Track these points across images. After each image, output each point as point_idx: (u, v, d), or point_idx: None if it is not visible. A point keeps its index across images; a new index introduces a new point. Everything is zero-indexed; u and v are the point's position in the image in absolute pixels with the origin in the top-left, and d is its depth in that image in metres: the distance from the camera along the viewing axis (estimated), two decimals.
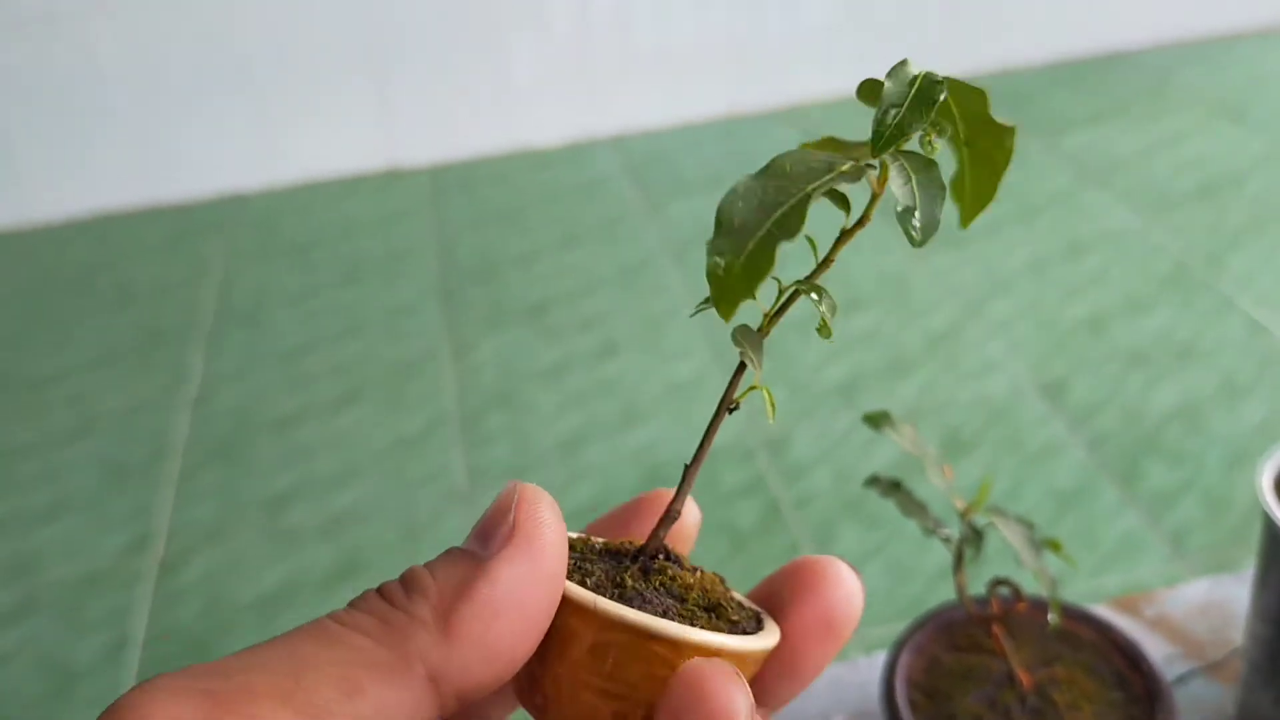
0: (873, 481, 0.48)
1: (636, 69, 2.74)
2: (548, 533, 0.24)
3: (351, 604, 0.23)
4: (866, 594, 1.22)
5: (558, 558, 0.24)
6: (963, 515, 0.47)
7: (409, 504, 1.67)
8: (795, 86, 2.83)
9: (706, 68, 2.78)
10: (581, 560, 0.27)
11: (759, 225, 0.26)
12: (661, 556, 0.28)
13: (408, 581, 0.23)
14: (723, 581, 0.29)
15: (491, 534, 0.24)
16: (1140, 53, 2.95)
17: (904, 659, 0.53)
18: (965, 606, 0.49)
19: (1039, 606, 0.53)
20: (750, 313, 0.28)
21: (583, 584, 0.26)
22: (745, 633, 0.26)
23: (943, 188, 0.28)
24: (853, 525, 1.56)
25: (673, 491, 0.29)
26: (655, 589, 0.26)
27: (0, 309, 2.25)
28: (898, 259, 2.15)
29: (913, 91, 0.28)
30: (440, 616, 0.23)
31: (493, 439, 1.78)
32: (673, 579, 0.27)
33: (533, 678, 0.25)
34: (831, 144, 0.29)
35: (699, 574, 0.28)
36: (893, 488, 0.47)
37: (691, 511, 0.30)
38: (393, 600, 0.23)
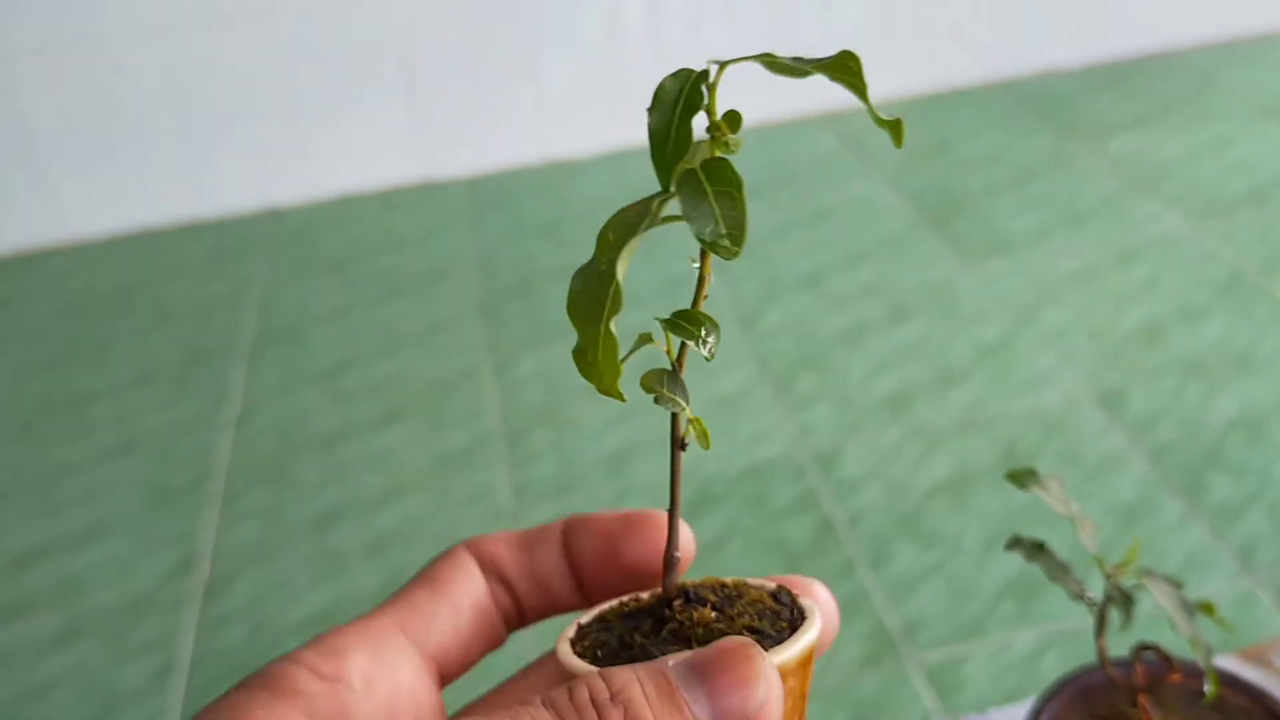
0: (1015, 544, 0.45)
1: None
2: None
3: (548, 701, 0.24)
4: (925, 615, 1.18)
5: None
6: (1108, 577, 0.43)
7: (454, 523, 1.65)
8: (832, 93, 2.79)
9: (741, 75, 2.74)
10: (603, 630, 0.28)
11: (596, 314, 0.27)
12: (680, 601, 0.28)
13: (618, 694, 0.24)
14: (745, 587, 0.29)
15: (724, 703, 0.25)
16: (1183, 53, 2.90)
17: None
18: (1107, 672, 0.46)
19: (1190, 672, 0.49)
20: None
21: (594, 655, 0.27)
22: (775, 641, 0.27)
23: (738, 184, 0.27)
24: (908, 543, 1.52)
25: (662, 512, 0.31)
26: (663, 640, 0.27)
27: (41, 329, 2.24)
28: (943, 268, 2.11)
29: (679, 105, 0.27)
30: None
31: (537, 456, 1.75)
32: (683, 624, 0.28)
33: None
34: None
35: (723, 597, 0.28)
36: (1036, 550, 0.44)
37: (686, 541, 0.31)
38: (601, 708, 0.24)
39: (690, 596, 0.29)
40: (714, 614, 0.28)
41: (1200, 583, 1.42)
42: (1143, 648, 0.47)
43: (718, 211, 0.25)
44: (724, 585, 0.29)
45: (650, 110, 0.26)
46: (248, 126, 2.56)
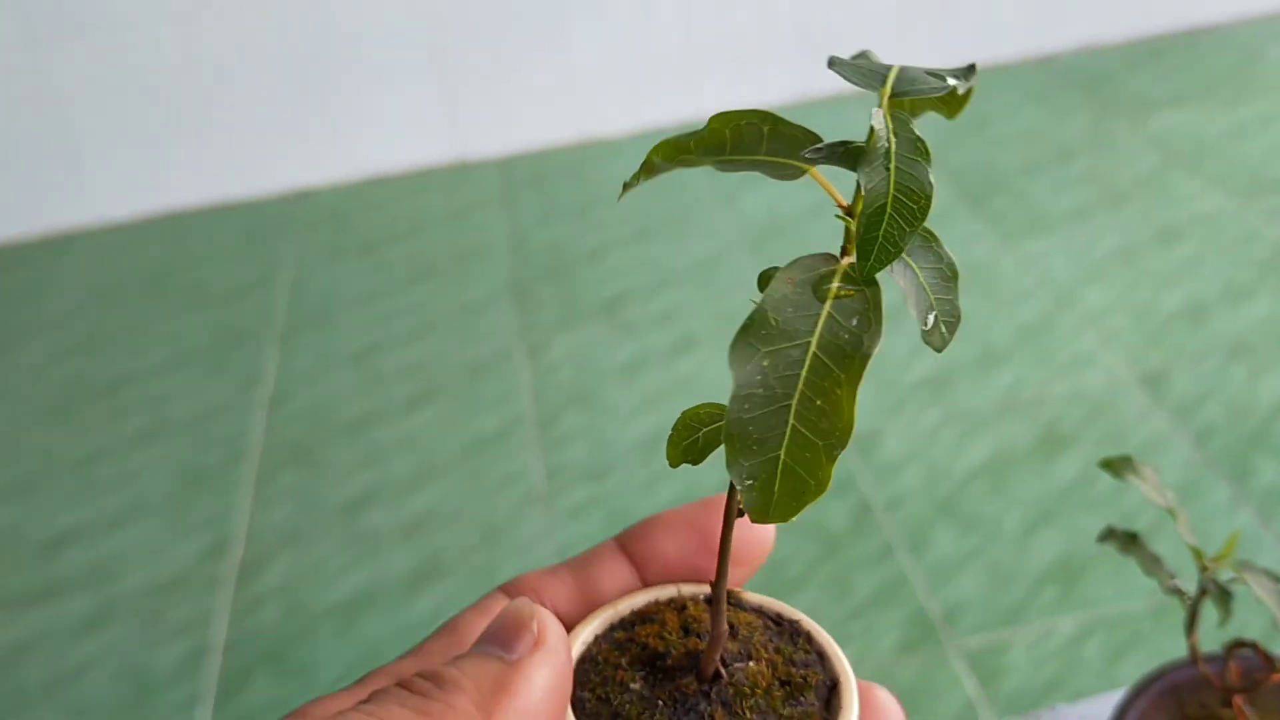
0: (1108, 535, 0.43)
1: (702, 56, 2.68)
2: (564, 651, 0.25)
3: (374, 698, 0.24)
4: (965, 600, 1.15)
5: (569, 676, 0.26)
6: (1204, 570, 0.41)
7: (487, 506, 1.63)
8: None
9: (773, 53, 2.72)
10: (610, 679, 0.25)
11: (777, 434, 0.19)
12: (721, 683, 0.25)
13: (437, 678, 0.24)
14: (787, 652, 0.26)
15: (514, 639, 0.25)
16: (1227, 27, 2.84)
17: None
18: (1199, 670, 0.44)
19: None
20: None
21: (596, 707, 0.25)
22: None
23: (954, 271, 0.22)
24: (948, 527, 1.50)
25: (714, 501, 0.28)
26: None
27: (74, 312, 2.25)
28: (983, 247, 2.08)
29: (891, 187, 0.20)
30: (482, 710, 0.24)
31: (570, 439, 1.74)
32: (710, 712, 0.24)
33: None
34: (802, 266, 0.22)
35: (758, 673, 0.25)
36: (1130, 541, 0.41)
37: (767, 536, 0.29)
38: (425, 693, 0.24)
39: (719, 673, 0.26)
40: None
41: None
42: (1238, 645, 0.44)
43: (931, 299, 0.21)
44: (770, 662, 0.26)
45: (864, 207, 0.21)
46: (278, 108, 2.55)
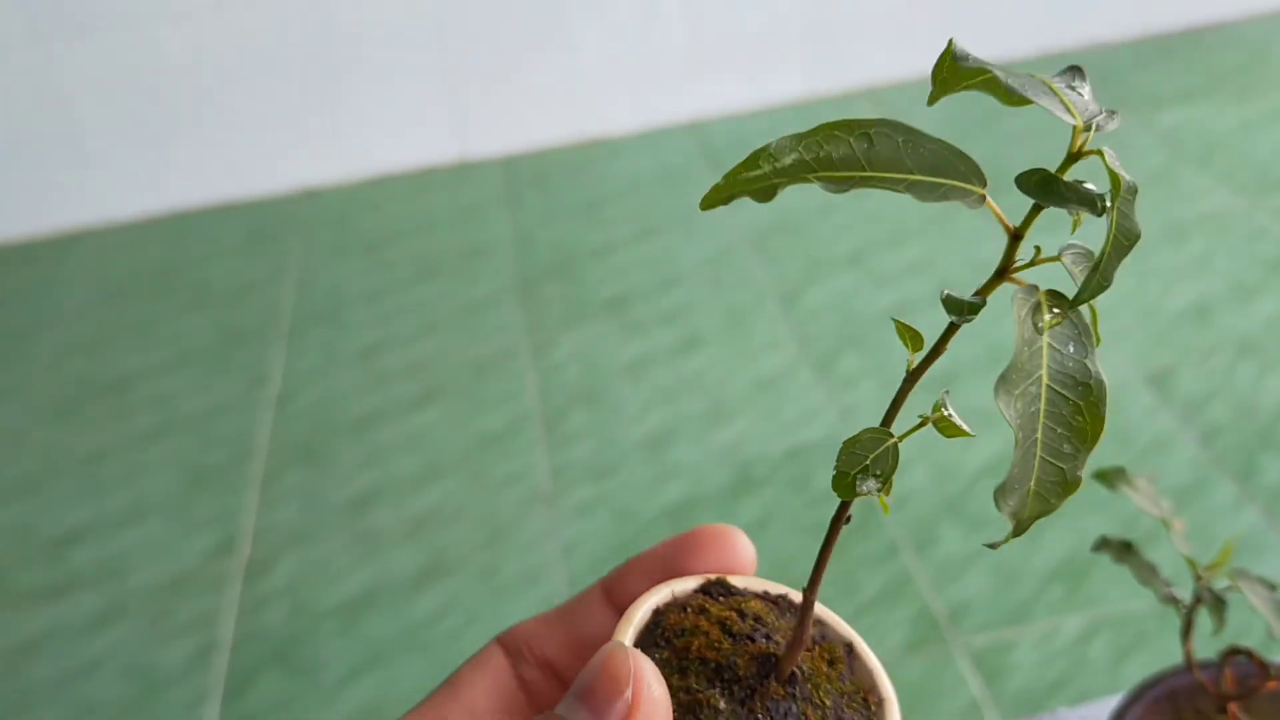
0: (1102, 545, 0.43)
1: (708, 53, 2.68)
2: (664, 706, 0.24)
3: None
4: (971, 599, 1.15)
5: None
6: (1199, 578, 0.41)
7: (492, 505, 1.64)
8: (873, 67, 2.75)
9: (780, 50, 2.71)
10: (694, 692, 0.24)
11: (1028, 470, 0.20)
12: (798, 681, 0.25)
13: None
14: (833, 659, 0.26)
15: (605, 708, 0.23)
16: (1236, 25, 2.83)
17: None
18: (1194, 676, 0.44)
19: None
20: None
21: None
22: None
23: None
24: (954, 525, 1.50)
25: (721, 530, 0.28)
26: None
27: (80, 311, 2.25)
28: (991, 245, 2.07)
29: (1114, 230, 0.19)
30: None
31: (576, 438, 1.74)
32: (801, 711, 0.25)
33: None
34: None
35: (821, 675, 0.25)
36: (1124, 550, 0.41)
37: (747, 551, 0.29)
38: None
39: (794, 678, 0.26)
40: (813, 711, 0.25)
41: (1253, 568, 1.39)
42: (1233, 652, 0.44)
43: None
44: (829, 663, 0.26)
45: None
46: (282, 107, 2.55)
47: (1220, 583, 0.41)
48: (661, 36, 2.65)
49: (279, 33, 2.49)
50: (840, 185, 0.19)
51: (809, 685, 0.25)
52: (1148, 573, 0.42)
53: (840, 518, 0.25)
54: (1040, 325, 0.19)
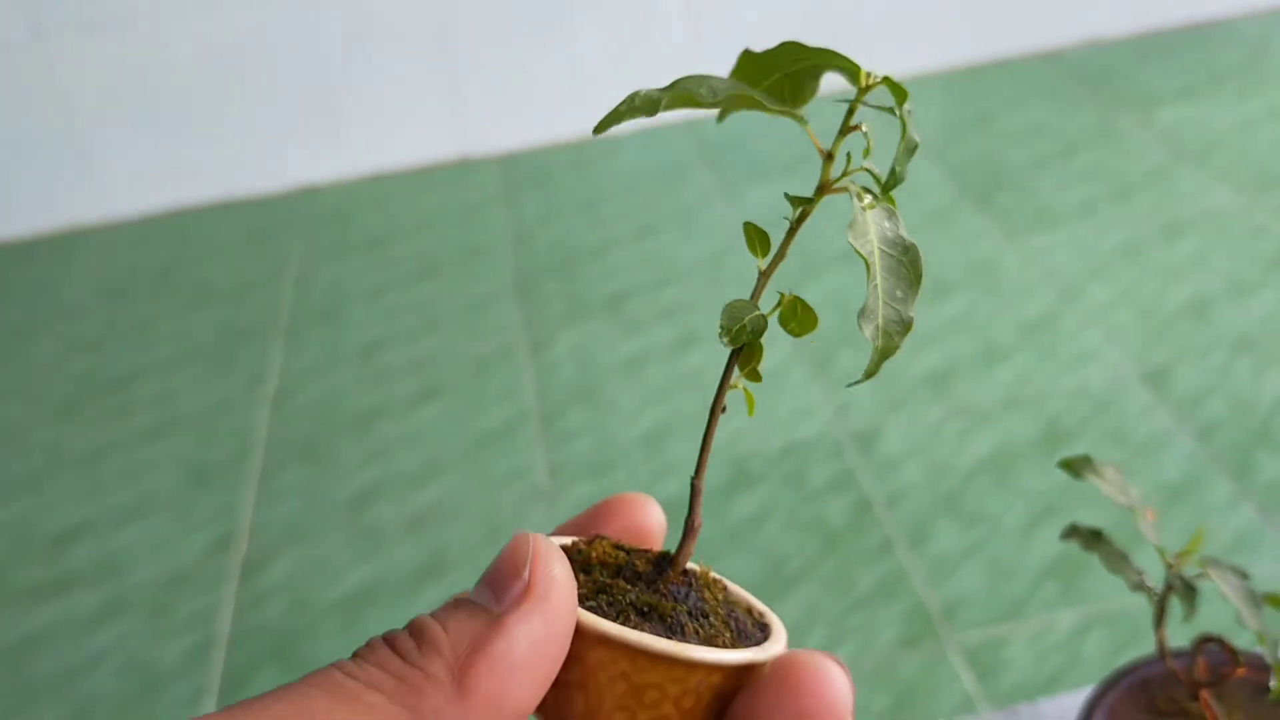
0: (1071, 532, 0.44)
1: (706, 51, 2.69)
2: (562, 591, 0.24)
3: (359, 654, 0.23)
4: (965, 596, 1.15)
5: (569, 615, 0.24)
6: (1170, 566, 0.42)
7: (491, 502, 1.64)
8: (871, 65, 2.74)
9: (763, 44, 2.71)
10: (601, 581, 0.26)
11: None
12: (692, 576, 0.28)
13: (418, 633, 0.24)
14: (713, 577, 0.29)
15: (503, 588, 0.24)
16: (1234, 22, 2.83)
17: None
18: (1167, 665, 0.44)
19: (1256, 666, 0.47)
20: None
21: (607, 611, 0.25)
22: (759, 641, 0.27)
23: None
24: (949, 522, 1.50)
25: (633, 496, 0.30)
26: (684, 613, 0.26)
27: (82, 308, 2.26)
28: (986, 243, 2.08)
29: None
30: (455, 675, 0.23)
31: (574, 435, 1.75)
32: (699, 596, 0.27)
33: (559, 709, 0.26)
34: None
35: (710, 581, 0.28)
36: (1094, 538, 0.42)
37: (656, 514, 0.30)
38: (405, 655, 0.23)
39: (688, 572, 0.28)
40: (714, 597, 0.28)
41: (1248, 564, 1.39)
42: (1205, 640, 0.45)
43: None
44: (695, 571, 0.29)
45: None
46: (283, 105, 2.56)
47: (1192, 570, 0.42)
48: (661, 36, 2.65)
49: (279, 31, 2.50)
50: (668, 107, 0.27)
51: (701, 583, 0.28)
52: (1118, 561, 0.42)
53: (718, 404, 0.28)
54: (864, 206, 0.27)
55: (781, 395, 1.77)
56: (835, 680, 0.25)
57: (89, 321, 2.21)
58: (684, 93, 0.27)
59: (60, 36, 2.42)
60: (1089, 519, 1.50)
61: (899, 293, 0.26)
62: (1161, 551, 0.41)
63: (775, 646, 0.27)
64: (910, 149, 0.27)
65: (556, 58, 2.64)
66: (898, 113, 0.27)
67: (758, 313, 0.28)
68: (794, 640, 1.37)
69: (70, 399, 1.98)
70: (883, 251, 0.26)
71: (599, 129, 0.28)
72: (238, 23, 2.47)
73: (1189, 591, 0.40)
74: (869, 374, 0.26)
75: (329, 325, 2.10)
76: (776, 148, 2.53)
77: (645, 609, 0.26)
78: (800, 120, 0.27)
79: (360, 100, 2.59)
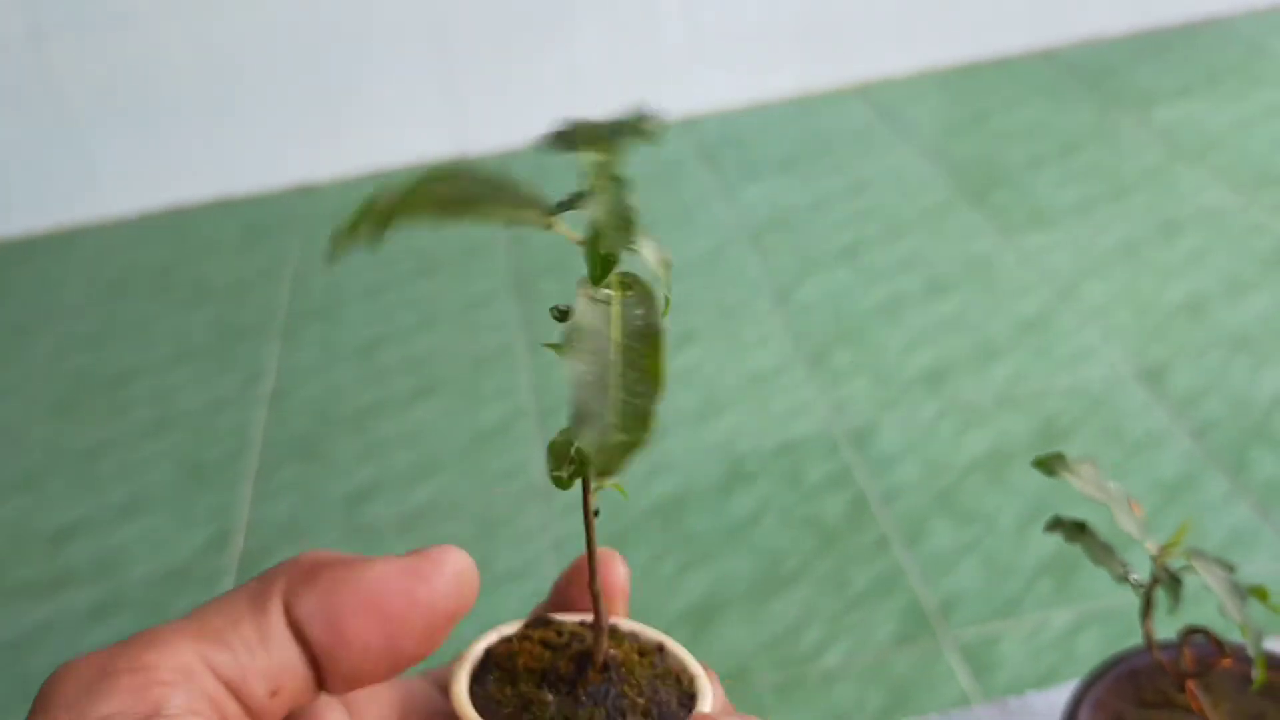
0: (1055, 525, 0.44)
1: (704, 49, 2.69)
2: (450, 565, 0.25)
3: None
4: (961, 593, 1.15)
5: (447, 588, 0.25)
6: (1155, 559, 0.42)
7: (487, 500, 1.64)
8: (868, 63, 2.75)
9: (776, 46, 2.72)
10: (525, 694, 0.27)
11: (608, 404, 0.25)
12: (614, 666, 0.28)
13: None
14: (660, 652, 0.29)
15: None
16: (1231, 20, 2.83)
17: (1084, 715, 0.48)
18: (1153, 656, 0.44)
19: (1241, 657, 0.48)
20: None
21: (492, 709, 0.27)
22: None
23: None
24: (944, 520, 1.50)
25: (601, 554, 0.29)
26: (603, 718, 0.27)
27: (78, 306, 2.26)
28: (983, 241, 2.08)
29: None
30: (308, 568, 0.25)
31: None
32: (619, 692, 0.27)
33: None
34: None
35: (634, 663, 0.28)
36: (1077, 530, 0.42)
37: (620, 572, 0.30)
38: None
39: (609, 666, 0.28)
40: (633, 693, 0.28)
41: (1244, 561, 1.39)
42: (1191, 631, 0.45)
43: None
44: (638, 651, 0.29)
45: None
46: (280, 103, 2.56)
47: (1178, 563, 0.42)
48: (659, 34, 2.65)
49: (277, 30, 2.50)
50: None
51: (624, 669, 0.28)
52: (1102, 553, 0.42)
53: (588, 511, 0.28)
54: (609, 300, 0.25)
55: (777, 394, 1.77)
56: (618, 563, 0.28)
57: (87, 320, 2.21)
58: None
59: (59, 36, 2.42)
60: (1085, 518, 1.50)
61: (639, 387, 0.24)
62: (1146, 545, 0.41)
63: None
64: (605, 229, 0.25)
65: (555, 57, 2.64)
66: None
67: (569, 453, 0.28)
68: (792, 638, 1.37)
69: (68, 397, 1.99)
70: (625, 344, 0.24)
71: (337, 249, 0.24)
72: (236, 22, 2.48)
73: (1174, 584, 0.40)
74: (604, 472, 0.23)
75: (326, 323, 2.10)
76: (772, 144, 2.53)
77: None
78: (547, 225, 0.25)
79: (358, 99, 2.59)
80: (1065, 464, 0.42)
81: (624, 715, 0.27)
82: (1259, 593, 0.41)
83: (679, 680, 0.28)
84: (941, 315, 1.90)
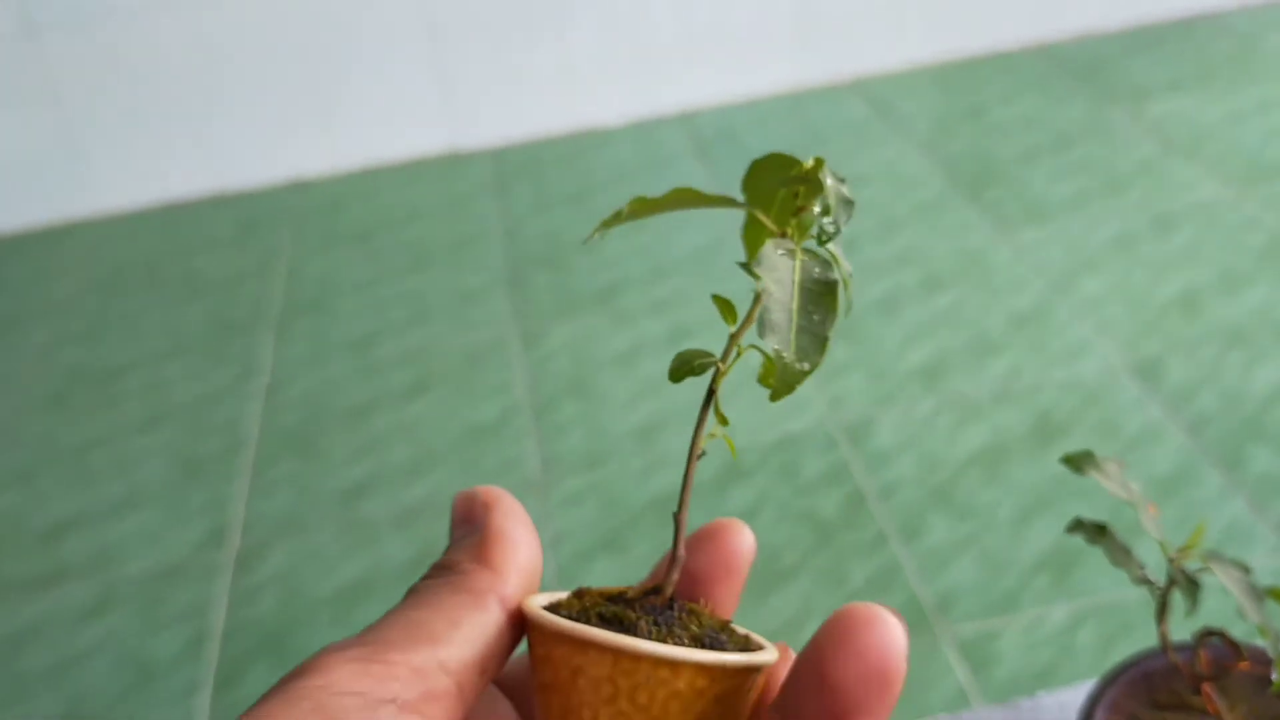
0: (1077, 526, 0.44)
1: (699, 43, 2.68)
2: (505, 500, 0.29)
3: (425, 577, 0.28)
4: (958, 589, 1.16)
5: (514, 509, 0.29)
6: (1172, 561, 0.42)
7: None
8: (862, 57, 2.75)
9: (770, 41, 2.71)
10: (586, 603, 0.28)
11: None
12: (679, 603, 0.29)
13: (448, 557, 0.29)
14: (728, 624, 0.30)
15: (469, 519, 0.29)
16: (1225, 15, 2.83)
17: (1099, 717, 0.48)
18: (1170, 659, 0.44)
19: (1256, 659, 0.47)
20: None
21: (574, 618, 0.28)
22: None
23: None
24: (941, 515, 1.51)
25: (727, 523, 0.31)
26: (648, 621, 0.28)
27: (71, 302, 2.25)
28: (978, 236, 2.08)
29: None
30: (481, 561, 0.28)
31: (566, 428, 1.75)
32: (674, 616, 0.28)
33: (544, 711, 0.28)
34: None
35: (701, 611, 0.29)
36: (1099, 532, 0.42)
37: (746, 539, 0.31)
38: (449, 567, 0.28)
39: (672, 605, 0.28)
40: (696, 619, 0.29)
41: (1239, 557, 1.40)
42: (1207, 633, 0.45)
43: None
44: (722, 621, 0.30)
45: None
46: (273, 98, 2.55)
47: (1193, 565, 0.42)
48: (652, 28, 2.65)
49: (270, 24, 2.49)
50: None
51: (690, 612, 0.29)
52: (1122, 555, 0.42)
53: (695, 449, 0.29)
54: (792, 254, 0.28)
55: None
56: (890, 624, 0.27)
57: (80, 314, 2.20)
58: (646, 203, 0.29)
59: (51, 30, 2.41)
60: (1082, 513, 1.51)
61: (815, 316, 0.27)
62: (1163, 545, 0.41)
63: (737, 657, 0.27)
64: (845, 203, 0.28)
65: (548, 50, 2.63)
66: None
67: (708, 358, 0.29)
68: (789, 633, 1.37)
69: (61, 391, 1.98)
70: (803, 287, 0.27)
71: (595, 232, 0.29)
72: (228, 16, 2.46)
73: (1191, 586, 0.40)
74: (780, 390, 0.27)
75: (320, 317, 2.10)
76: (767, 138, 2.53)
77: (609, 616, 0.27)
78: (736, 205, 0.29)
79: (351, 93, 2.58)
80: (1094, 462, 0.42)
81: (669, 626, 0.27)
82: (1276, 594, 0.41)
83: (746, 642, 0.28)
84: (937, 310, 1.90)
